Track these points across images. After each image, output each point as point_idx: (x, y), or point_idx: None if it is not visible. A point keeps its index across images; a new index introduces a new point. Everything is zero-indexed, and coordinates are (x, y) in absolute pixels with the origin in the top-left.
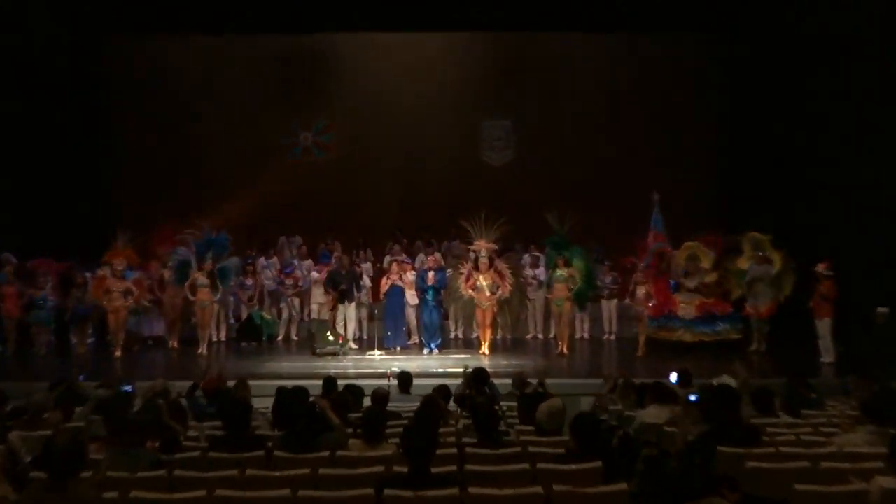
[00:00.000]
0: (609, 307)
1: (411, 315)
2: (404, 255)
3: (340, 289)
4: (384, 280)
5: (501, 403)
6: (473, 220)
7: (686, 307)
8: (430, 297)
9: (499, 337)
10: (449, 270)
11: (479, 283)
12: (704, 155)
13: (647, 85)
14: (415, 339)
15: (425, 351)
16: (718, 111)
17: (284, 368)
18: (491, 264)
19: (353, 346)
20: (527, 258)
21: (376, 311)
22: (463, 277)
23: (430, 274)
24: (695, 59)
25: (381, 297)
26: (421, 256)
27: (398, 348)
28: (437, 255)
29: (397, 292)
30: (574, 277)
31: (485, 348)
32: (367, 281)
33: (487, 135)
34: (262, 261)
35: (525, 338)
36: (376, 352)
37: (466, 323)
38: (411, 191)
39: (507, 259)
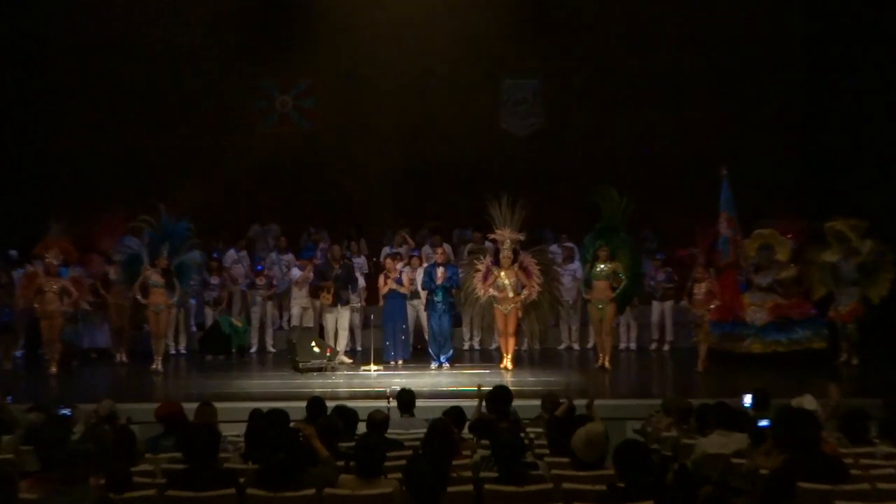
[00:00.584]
0: (661, 310)
1: (417, 321)
2: (406, 247)
3: (335, 280)
4: (382, 279)
5: (528, 430)
6: (493, 204)
7: (757, 310)
8: (439, 298)
9: (524, 348)
10: (462, 266)
11: (500, 281)
12: (784, 122)
13: (713, 33)
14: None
15: (433, 365)
16: (803, 68)
17: (259, 387)
18: (515, 258)
19: (345, 359)
20: (557, 250)
21: (372, 317)
22: (480, 275)
23: (440, 270)
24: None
25: (380, 299)
26: (427, 249)
27: (400, 362)
28: (448, 248)
29: (398, 294)
30: (618, 273)
31: (507, 362)
32: (360, 280)
33: (509, 97)
34: (231, 253)
35: (557, 349)
36: (373, 367)
37: (484, 331)
38: (415, 168)
39: (534, 252)
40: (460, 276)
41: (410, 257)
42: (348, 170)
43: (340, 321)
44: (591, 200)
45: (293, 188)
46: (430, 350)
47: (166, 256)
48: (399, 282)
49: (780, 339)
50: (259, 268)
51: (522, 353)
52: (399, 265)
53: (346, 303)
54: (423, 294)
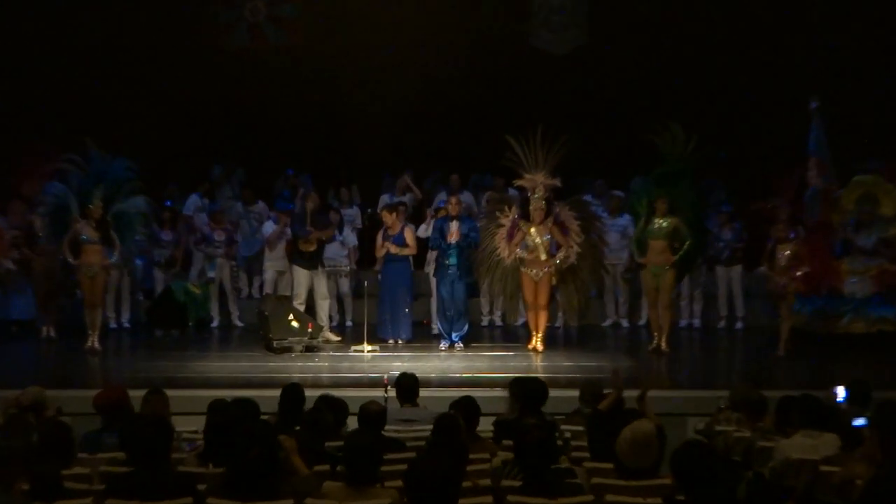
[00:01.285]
0: (729, 277)
1: (423, 289)
2: (410, 195)
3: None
4: (380, 238)
5: (562, 428)
6: (520, 141)
7: (858, 279)
8: (451, 261)
9: (558, 324)
10: (481, 220)
11: (528, 239)
12: (891, 44)
13: None
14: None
15: (443, 344)
16: None
17: (222, 371)
18: (548, 211)
19: (331, 336)
20: (601, 201)
21: (366, 284)
22: (504, 231)
23: (453, 225)
24: None
25: (377, 264)
26: (439, 199)
27: (400, 341)
28: (468, 197)
29: (399, 256)
30: (680, 231)
31: (537, 342)
32: (351, 237)
33: (542, 5)
34: (194, 199)
35: (600, 326)
36: (366, 346)
37: (508, 302)
38: (422, 95)
39: (572, 203)
40: (479, 232)
41: (416, 208)
42: (337, 98)
43: (318, 287)
44: (646, 139)
45: (266, 121)
46: (438, 326)
47: (100, 204)
48: (399, 241)
49: (887, 316)
50: (202, 226)
51: (556, 330)
52: (401, 219)
53: (314, 266)
54: (432, 256)
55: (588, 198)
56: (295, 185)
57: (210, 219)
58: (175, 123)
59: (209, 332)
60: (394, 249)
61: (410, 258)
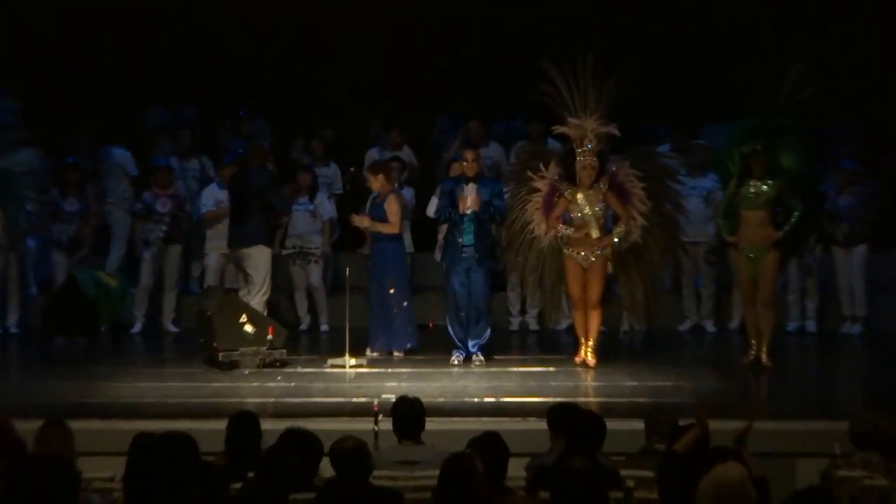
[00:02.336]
0: (848, 263)
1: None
2: (407, 150)
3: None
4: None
5: (621, 472)
6: (561, 73)
7: None
8: (465, 239)
9: (624, 328)
10: (508, 183)
11: (575, 209)
12: None
13: None
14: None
15: (456, 356)
16: None
17: (148, 394)
18: (603, 170)
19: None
20: (675, 154)
21: (348, 272)
22: (540, 199)
23: (469, 189)
24: None
25: (365, 246)
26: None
27: (395, 352)
28: (496, 150)
29: (390, 236)
30: (786, 197)
31: (587, 352)
32: (326, 205)
33: None
34: (117, 153)
35: (676, 330)
36: (348, 359)
37: (547, 298)
38: (426, 5)
39: (636, 158)
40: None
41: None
42: (306, 7)
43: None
44: (735, 76)
45: (213, 47)
46: (449, 331)
47: None
48: (378, 213)
49: None
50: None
51: (614, 337)
52: (392, 182)
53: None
54: (441, 234)
55: (664, 150)
56: (247, 134)
57: (153, 181)
58: (87, 46)
59: (129, 339)
60: (365, 223)
61: (406, 237)
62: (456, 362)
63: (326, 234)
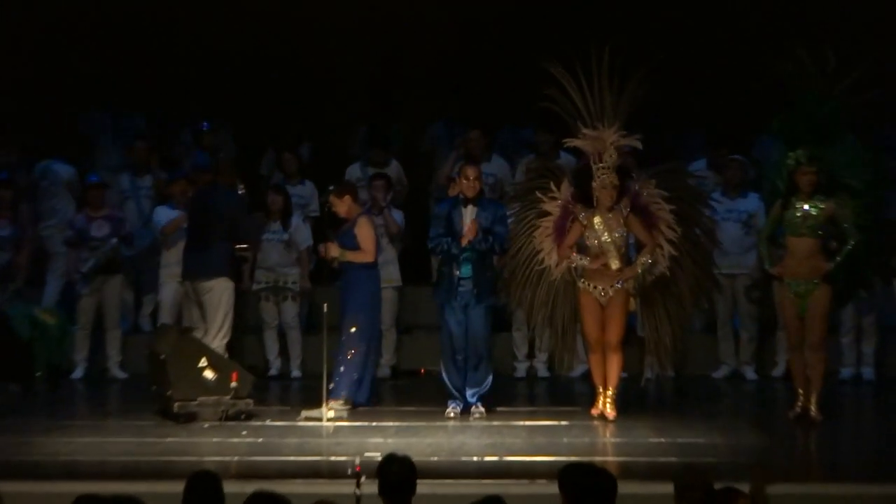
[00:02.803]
0: None
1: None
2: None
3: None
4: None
5: None
6: (576, 75)
7: None
8: (463, 271)
9: (648, 376)
10: (513, 206)
11: (593, 237)
12: None
13: None
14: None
15: (452, 408)
16: None
17: (90, 451)
18: (624, 189)
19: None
20: (708, 171)
21: (325, 309)
22: (551, 223)
23: (468, 213)
24: None
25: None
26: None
27: (332, 404)
28: (501, 165)
29: (373, 266)
30: (839, 222)
31: (605, 403)
32: (301, 231)
33: None
34: (60, 169)
35: (711, 377)
36: (325, 410)
37: (559, 340)
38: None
39: (662, 176)
40: (510, 225)
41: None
42: (278, 7)
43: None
44: (773, 73)
45: (165, 45)
46: (444, 378)
47: None
48: (347, 241)
49: None
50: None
51: (637, 386)
52: (383, 199)
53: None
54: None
55: (698, 167)
56: (210, 148)
57: (85, 200)
58: (18, 45)
59: (70, 387)
60: (334, 253)
61: (394, 268)
62: (452, 415)
63: (304, 266)
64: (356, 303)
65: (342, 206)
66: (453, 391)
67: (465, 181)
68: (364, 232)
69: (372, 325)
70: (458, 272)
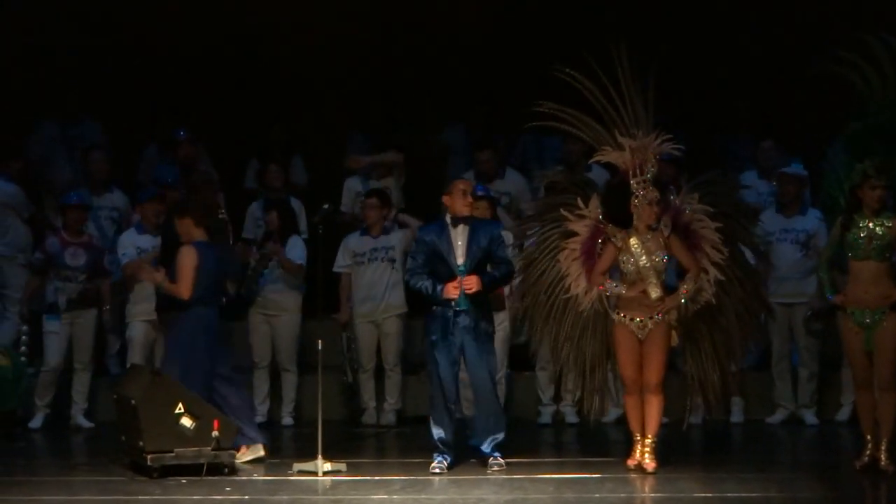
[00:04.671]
0: None
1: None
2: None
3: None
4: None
5: None
6: (599, 77)
7: None
8: (461, 302)
9: (692, 420)
10: (533, 229)
11: (629, 261)
12: None
13: None
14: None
15: (437, 463)
16: None
17: None
18: (664, 207)
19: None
20: (762, 183)
21: (321, 346)
22: (577, 246)
23: (458, 233)
24: None
25: (342, 311)
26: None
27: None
28: (506, 186)
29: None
30: None
31: (645, 453)
32: (299, 251)
33: None
34: (1, 188)
35: (765, 422)
36: (321, 464)
37: (589, 380)
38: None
39: (710, 190)
40: (527, 247)
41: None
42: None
43: None
44: (834, 71)
45: (134, 47)
46: (431, 429)
47: None
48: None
49: None
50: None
51: (680, 432)
52: (387, 219)
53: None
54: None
55: (748, 179)
56: (188, 159)
57: (62, 224)
58: None
59: (27, 437)
60: (158, 279)
61: (390, 289)
62: (437, 470)
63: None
64: (170, 345)
65: (181, 227)
66: (438, 442)
67: (459, 198)
68: (183, 261)
69: (198, 370)
70: (455, 306)
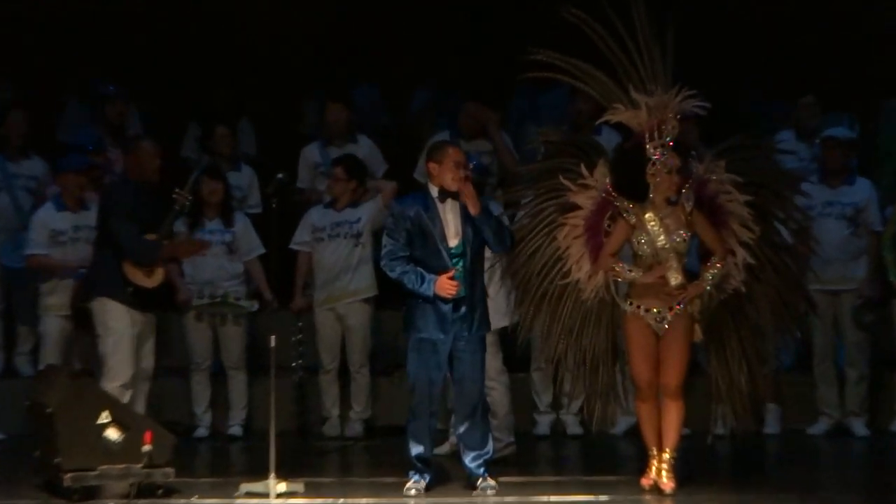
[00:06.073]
0: None
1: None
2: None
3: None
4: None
5: None
6: (612, 24)
7: None
8: (460, 292)
9: (718, 432)
10: (526, 199)
11: (644, 241)
12: None
13: None
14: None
15: (414, 482)
16: None
17: None
18: (687, 177)
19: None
20: (802, 148)
21: (274, 343)
22: (580, 222)
23: (447, 209)
24: None
25: (297, 298)
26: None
27: None
28: (504, 139)
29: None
30: None
31: (662, 470)
32: (245, 234)
33: None
34: None
35: (806, 433)
36: (275, 483)
37: (596, 383)
38: None
39: (741, 155)
40: (520, 222)
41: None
42: None
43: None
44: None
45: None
46: (408, 444)
47: None
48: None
49: None
50: None
51: (704, 443)
52: (349, 195)
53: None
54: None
55: (784, 139)
56: (117, 121)
57: None
58: None
59: None
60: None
61: (355, 269)
62: (413, 492)
63: (262, 281)
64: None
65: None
66: (414, 460)
67: (451, 169)
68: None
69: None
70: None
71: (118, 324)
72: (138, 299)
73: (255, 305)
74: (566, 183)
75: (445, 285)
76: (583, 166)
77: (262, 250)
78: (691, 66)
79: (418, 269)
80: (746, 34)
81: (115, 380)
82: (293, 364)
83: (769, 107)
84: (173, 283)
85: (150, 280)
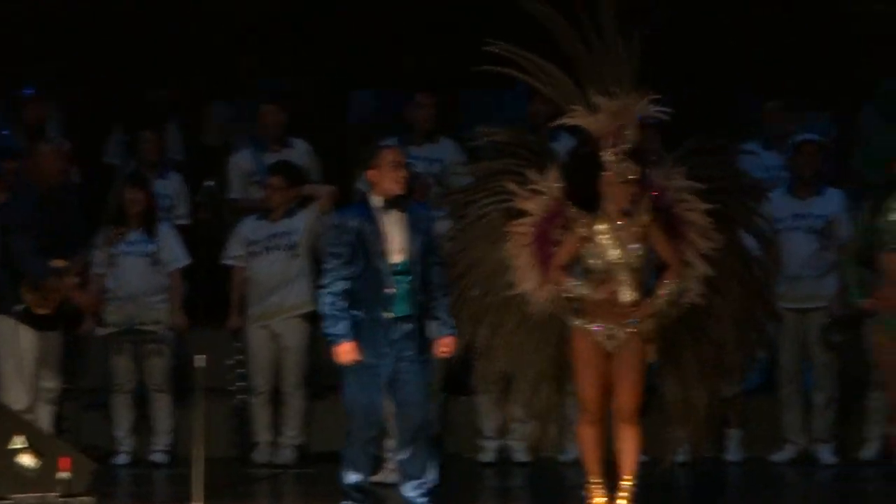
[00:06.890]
0: None
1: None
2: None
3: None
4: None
5: None
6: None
7: None
8: (399, 309)
9: (671, 458)
10: (469, 201)
11: (595, 252)
12: None
13: None
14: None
15: None
16: None
17: None
18: (646, 187)
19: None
20: (772, 156)
21: (202, 364)
22: (527, 230)
23: (391, 220)
24: None
25: (232, 316)
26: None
27: None
28: (438, 153)
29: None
30: None
31: (620, 499)
32: (172, 245)
33: None
34: None
35: (769, 461)
36: None
37: (543, 407)
38: None
39: (699, 161)
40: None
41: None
42: None
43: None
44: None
45: None
46: (343, 475)
47: None
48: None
49: None
50: None
51: (660, 471)
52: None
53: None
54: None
55: (752, 147)
56: (35, 124)
57: None
58: None
59: None
60: None
61: (289, 283)
62: None
63: (177, 295)
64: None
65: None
66: (356, 492)
67: (389, 171)
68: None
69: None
70: (387, 313)
71: (11, 343)
72: (34, 319)
73: (166, 331)
74: (514, 189)
75: (340, 352)
76: (533, 171)
77: (187, 261)
78: (675, 69)
79: (351, 320)
80: (732, 35)
81: (23, 402)
82: (231, 387)
83: (734, 110)
84: (80, 310)
85: (43, 307)
